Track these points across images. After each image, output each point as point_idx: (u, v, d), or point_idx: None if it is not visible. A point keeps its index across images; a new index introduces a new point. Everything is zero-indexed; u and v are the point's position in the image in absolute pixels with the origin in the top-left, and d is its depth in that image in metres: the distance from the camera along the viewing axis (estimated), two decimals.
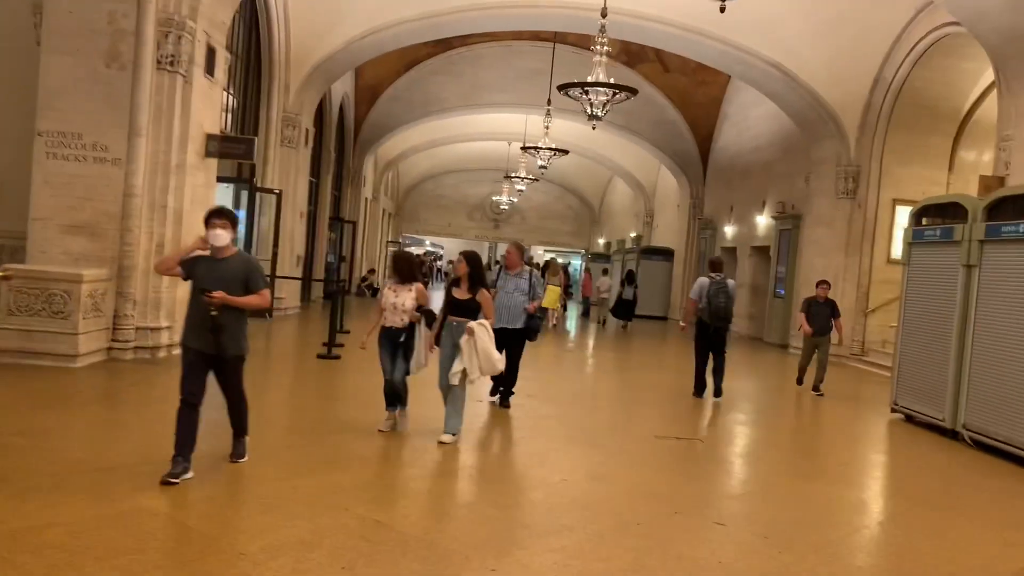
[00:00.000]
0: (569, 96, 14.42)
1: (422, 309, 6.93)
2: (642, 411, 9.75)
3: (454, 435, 6.79)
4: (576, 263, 45.53)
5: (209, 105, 10.82)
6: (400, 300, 6.93)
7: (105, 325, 9.56)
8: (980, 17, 11.73)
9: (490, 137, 32.33)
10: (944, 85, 15.66)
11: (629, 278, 23.72)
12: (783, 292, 19.78)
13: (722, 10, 8.17)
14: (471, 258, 7.04)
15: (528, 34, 24.93)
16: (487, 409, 8.51)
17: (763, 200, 21.82)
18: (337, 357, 10.89)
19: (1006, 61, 11.79)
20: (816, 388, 11.43)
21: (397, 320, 6.92)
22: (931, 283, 9.55)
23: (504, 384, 8.60)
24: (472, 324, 6.68)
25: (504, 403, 8.58)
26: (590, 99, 14.09)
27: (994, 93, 15.46)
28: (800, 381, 11.89)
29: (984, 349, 8.44)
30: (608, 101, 14.14)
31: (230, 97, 14.84)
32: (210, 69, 10.65)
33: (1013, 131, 11.62)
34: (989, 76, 15.29)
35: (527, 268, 8.63)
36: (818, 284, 11.93)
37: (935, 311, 9.36)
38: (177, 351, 10.52)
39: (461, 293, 6.97)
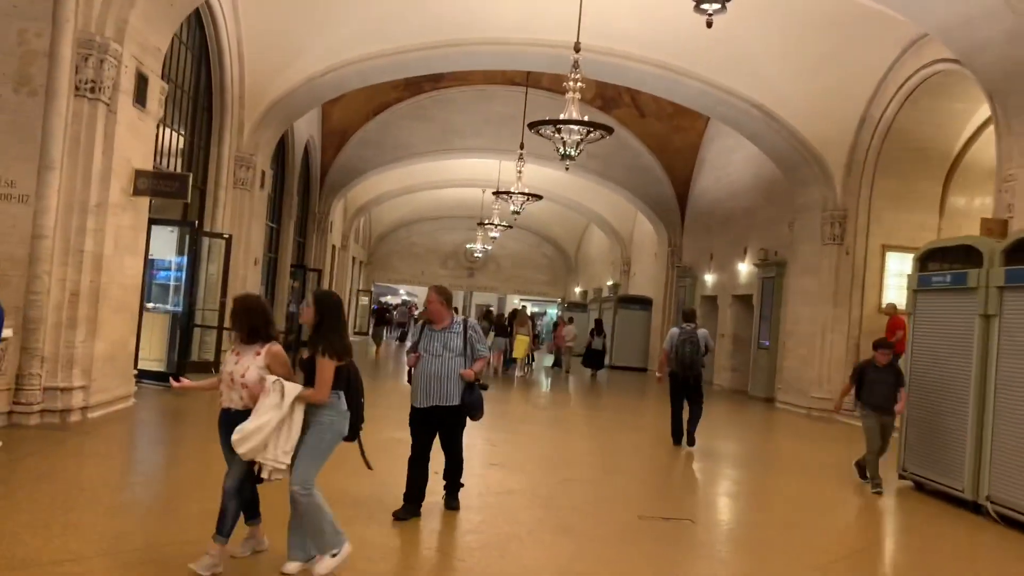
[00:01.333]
0: (541, 135, 13.52)
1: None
2: (622, 482, 8.58)
3: (305, 563, 4.64)
4: (552, 312, 44.59)
5: (139, 138, 9.73)
6: (241, 368, 4.64)
7: (6, 386, 8.29)
8: (978, 50, 10.99)
9: (464, 184, 31.52)
10: (933, 126, 14.95)
11: (597, 328, 23.42)
12: (768, 343, 18.81)
13: (709, 24, 7.31)
14: (320, 300, 4.84)
15: (500, 78, 24.28)
16: (440, 480, 7.29)
17: (744, 247, 20.99)
18: None
19: (1006, 97, 11.02)
20: (865, 475, 8.74)
21: (236, 398, 4.63)
22: (942, 335, 8.55)
23: (448, 477, 6.41)
24: (270, 378, 4.51)
25: (451, 503, 6.35)
26: (563, 138, 13.21)
27: (985, 135, 14.84)
28: (866, 474, 8.76)
29: (1009, 409, 7.41)
30: (582, 140, 13.25)
31: (177, 136, 13.81)
32: (140, 99, 9.58)
33: (1016, 171, 10.80)
34: (980, 117, 14.66)
35: (459, 319, 6.39)
36: (877, 346, 8.90)
37: (948, 366, 8.35)
38: (93, 414, 9.34)
39: (307, 351, 4.81)
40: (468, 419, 6.26)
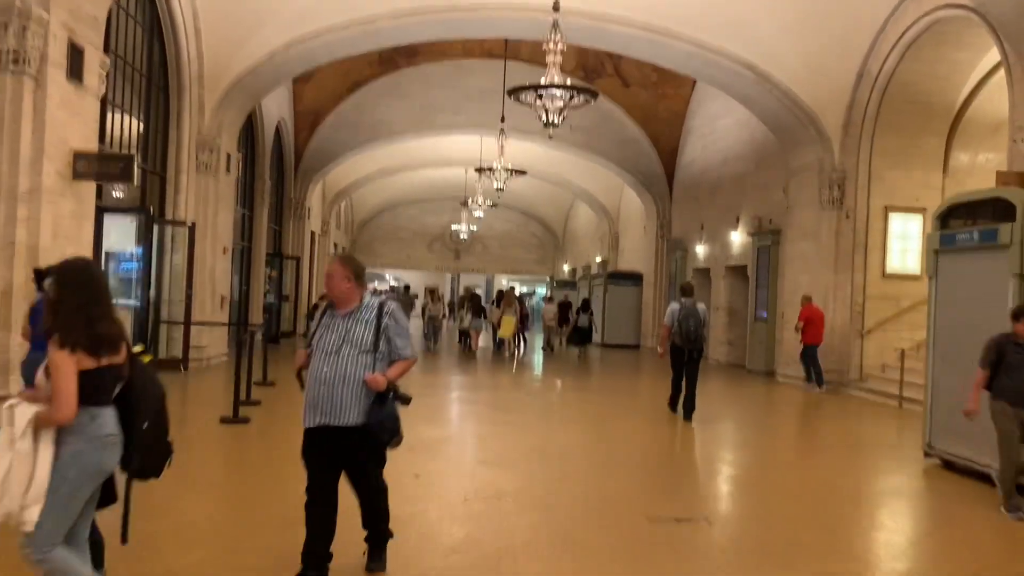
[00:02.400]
0: (521, 102, 12.67)
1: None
2: (625, 475, 7.77)
3: None
4: (541, 291, 43.91)
5: (76, 116, 8.80)
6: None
7: None
8: None
9: (446, 163, 30.61)
10: (935, 78, 14.14)
11: (584, 306, 23.24)
12: (765, 315, 18.08)
13: None
14: (60, 272, 3.36)
15: (478, 51, 23.32)
16: (420, 484, 6.48)
17: (736, 216, 20.20)
18: (245, 420, 8.78)
19: (1019, 40, 10.25)
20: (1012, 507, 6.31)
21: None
22: (969, 298, 7.80)
23: (367, 527, 4.56)
24: (9, 402, 3.17)
25: (373, 564, 4.51)
26: (545, 105, 12.36)
27: (989, 86, 14.06)
28: (1010, 505, 6.27)
29: None
30: (565, 106, 12.41)
31: (131, 118, 12.84)
32: (76, 73, 8.65)
33: None
34: (983, 67, 13.88)
35: (372, 302, 4.34)
36: (1018, 315, 6.40)
37: (977, 332, 7.53)
38: None
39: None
40: (381, 446, 4.31)
